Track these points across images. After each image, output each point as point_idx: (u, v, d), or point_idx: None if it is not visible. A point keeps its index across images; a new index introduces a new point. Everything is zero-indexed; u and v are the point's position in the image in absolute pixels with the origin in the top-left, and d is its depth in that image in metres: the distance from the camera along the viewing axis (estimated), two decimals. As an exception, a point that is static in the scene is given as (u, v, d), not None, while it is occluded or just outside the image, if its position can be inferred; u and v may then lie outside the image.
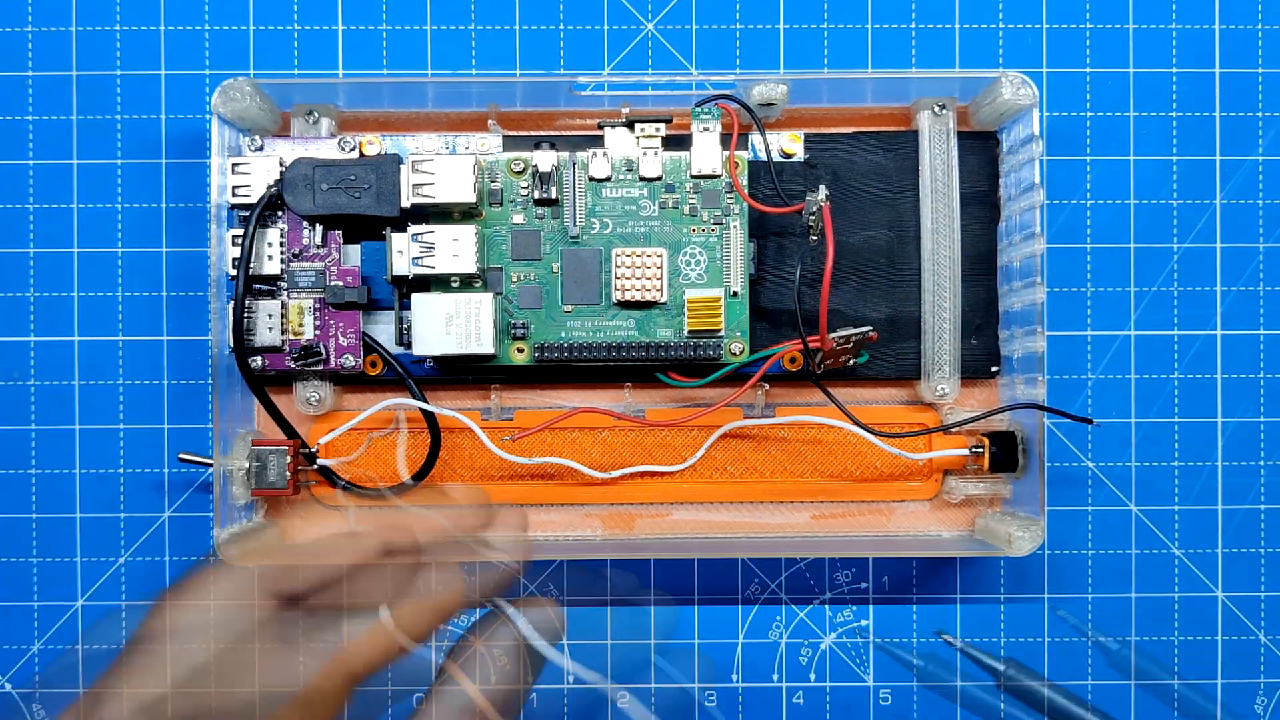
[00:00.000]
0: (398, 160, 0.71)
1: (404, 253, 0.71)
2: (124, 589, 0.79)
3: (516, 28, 0.79)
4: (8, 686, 0.79)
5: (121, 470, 0.79)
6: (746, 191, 0.74)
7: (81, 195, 0.79)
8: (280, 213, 0.73)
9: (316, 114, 0.75)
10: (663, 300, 0.73)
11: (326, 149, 0.73)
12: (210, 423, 0.78)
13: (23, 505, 0.79)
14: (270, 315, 0.73)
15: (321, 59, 0.79)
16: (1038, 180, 0.72)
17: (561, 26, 0.79)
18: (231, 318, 0.71)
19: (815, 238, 0.69)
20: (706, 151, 0.73)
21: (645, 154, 0.73)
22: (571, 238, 0.74)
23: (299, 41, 0.79)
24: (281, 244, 0.72)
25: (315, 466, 0.74)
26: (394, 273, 0.71)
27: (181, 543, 0.79)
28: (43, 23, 0.79)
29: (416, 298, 0.71)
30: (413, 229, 0.71)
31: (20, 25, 0.79)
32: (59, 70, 0.79)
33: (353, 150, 0.73)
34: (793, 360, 0.74)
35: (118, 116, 0.79)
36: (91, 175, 0.79)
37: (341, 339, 0.73)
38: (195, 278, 0.78)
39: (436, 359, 0.73)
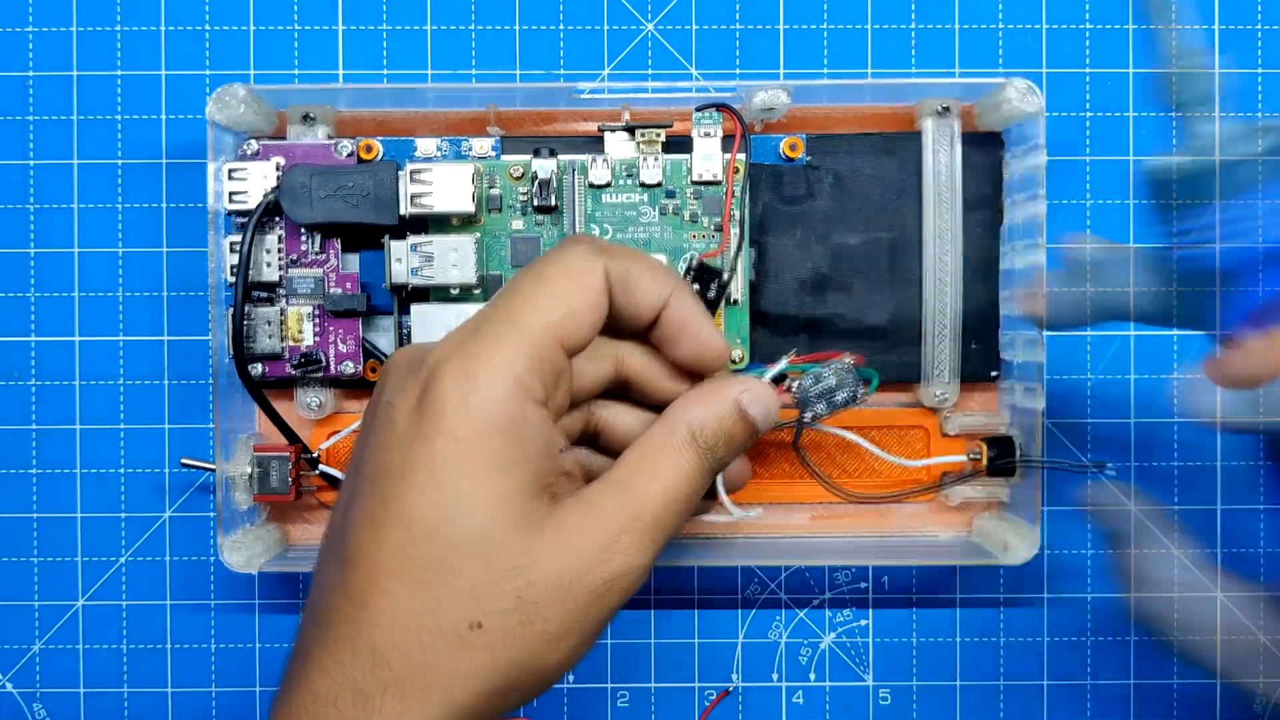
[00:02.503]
0: (395, 168, 0.71)
1: (402, 261, 0.71)
2: (124, 589, 0.79)
3: (516, 28, 0.79)
4: (8, 686, 0.79)
5: (122, 470, 0.79)
6: (748, 194, 0.74)
7: (82, 195, 0.79)
8: (278, 218, 0.73)
9: (314, 116, 0.75)
10: (663, 306, 0.73)
11: (324, 154, 0.73)
12: (211, 422, 0.78)
13: (23, 505, 0.79)
14: (269, 322, 0.73)
15: (321, 59, 0.79)
16: (1041, 191, 0.71)
17: (561, 27, 0.79)
18: (231, 325, 0.71)
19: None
20: (707, 156, 0.73)
21: (645, 159, 0.73)
22: (571, 244, 0.74)
23: (299, 42, 0.79)
24: (280, 250, 0.72)
25: (317, 471, 0.74)
26: (392, 281, 0.71)
27: (182, 543, 0.79)
28: (43, 23, 0.79)
29: (415, 309, 0.71)
30: (411, 239, 0.71)
31: (20, 25, 0.79)
32: (59, 70, 0.79)
33: (350, 156, 0.73)
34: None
35: (118, 117, 0.79)
36: (92, 175, 0.79)
37: (341, 345, 0.73)
38: (196, 278, 0.78)
39: (436, 364, 0.74)
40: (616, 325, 0.57)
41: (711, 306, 0.70)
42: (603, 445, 0.61)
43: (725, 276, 0.71)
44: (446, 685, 0.50)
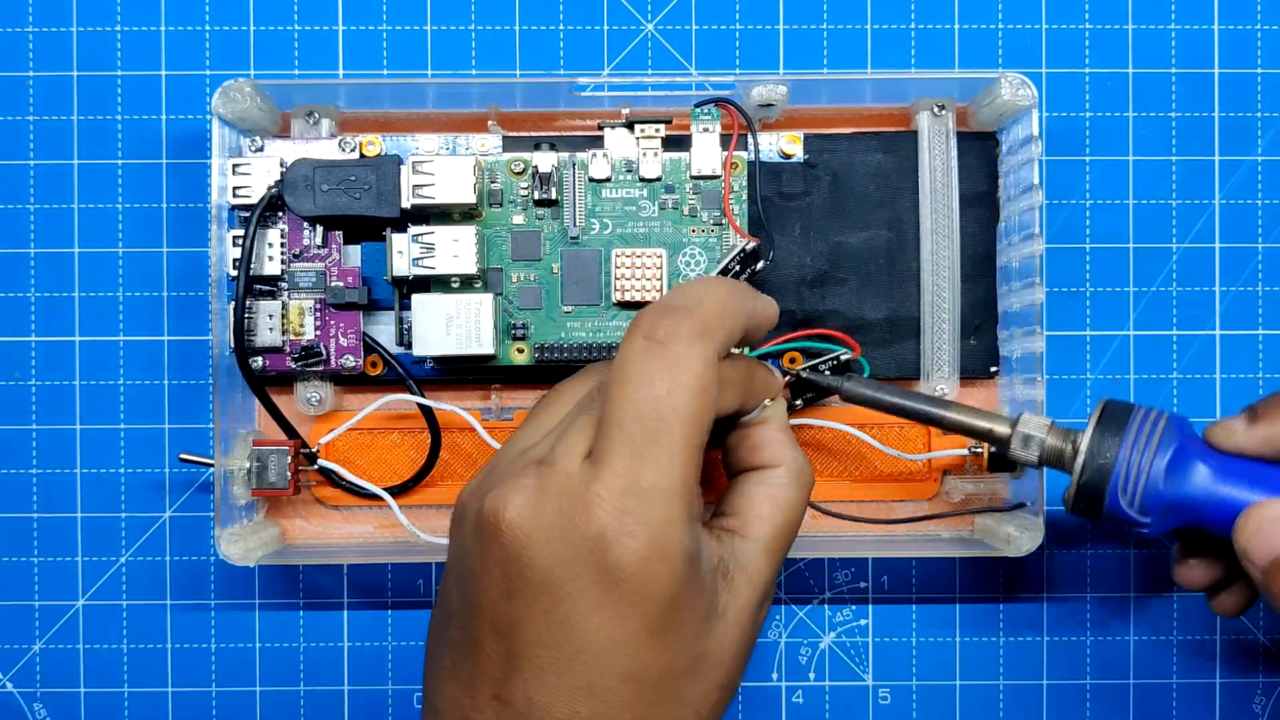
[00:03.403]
0: (398, 161, 0.71)
1: (404, 253, 0.71)
2: (125, 589, 0.79)
3: (516, 28, 0.79)
4: (9, 686, 0.79)
5: (122, 470, 0.79)
6: (747, 191, 0.74)
7: (82, 195, 0.79)
8: (280, 213, 0.73)
9: (317, 115, 0.75)
10: (663, 300, 0.73)
11: (327, 150, 0.73)
12: (211, 423, 0.78)
13: (24, 505, 0.79)
14: (271, 316, 0.73)
15: (322, 59, 0.79)
16: (1037, 181, 0.72)
17: (561, 27, 0.79)
18: (232, 318, 0.71)
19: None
20: (706, 152, 0.74)
21: (645, 155, 0.73)
22: (571, 238, 0.74)
23: (299, 42, 0.79)
24: (282, 244, 0.73)
25: (316, 466, 0.74)
26: (394, 273, 0.71)
27: (182, 543, 0.79)
28: (43, 23, 0.79)
29: (417, 298, 0.71)
30: (413, 230, 0.71)
31: (20, 25, 0.79)
32: (59, 70, 0.79)
33: (353, 151, 0.73)
34: (791, 360, 0.74)
35: (118, 117, 0.79)
36: (92, 175, 0.79)
37: (342, 339, 0.73)
38: (196, 278, 0.78)
39: (437, 359, 0.74)
40: None
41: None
42: None
43: (760, 265, 0.72)
44: None
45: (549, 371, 0.74)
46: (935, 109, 0.75)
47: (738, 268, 0.71)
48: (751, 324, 0.58)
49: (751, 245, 0.71)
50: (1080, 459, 0.61)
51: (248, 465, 0.73)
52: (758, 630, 0.56)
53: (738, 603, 0.54)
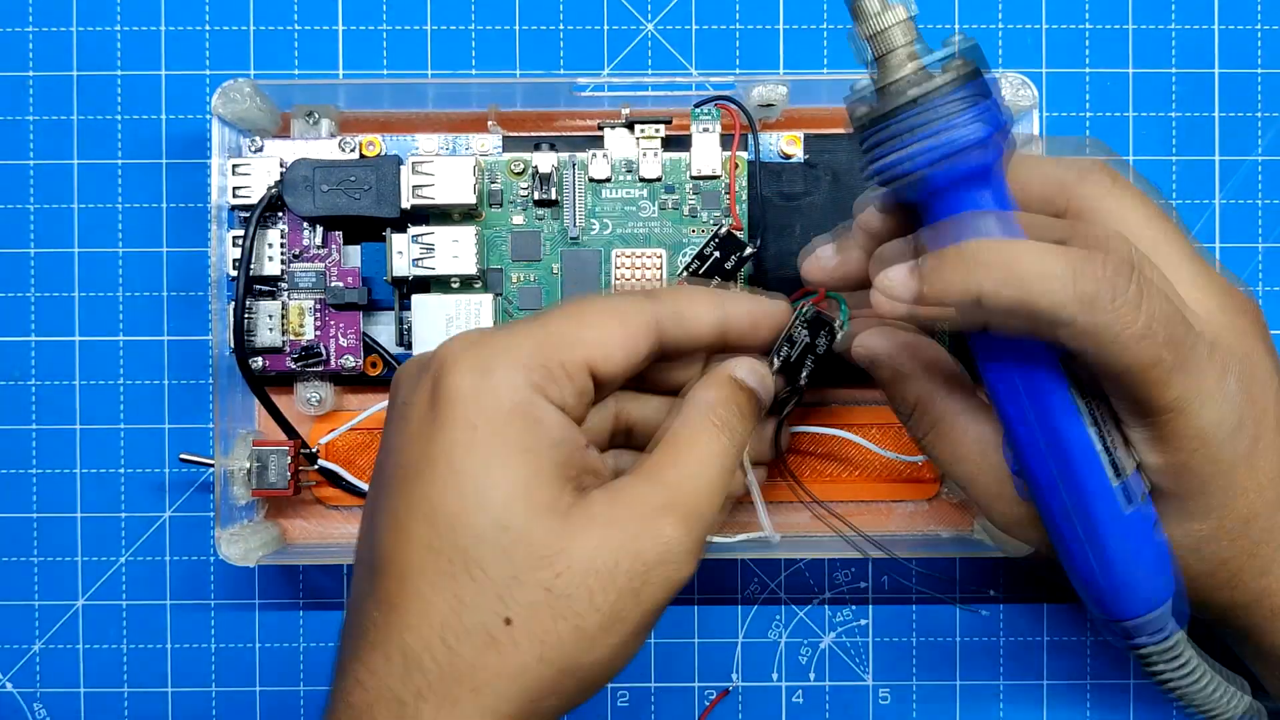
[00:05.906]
0: (398, 161, 0.71)
1: (404, 254, 0.71)
2: (124, 589, 0.79)
3: (516, 28, 0.79)
4: (8, 686, 0.79)
5: (122, 470, 0.79)
6: (747, 191, 0.74)
7: (82, 195, 0.79)
8: (280, 213, 0.73)
9: (316, 115, 0.75)
10: (662, 301, 0.73)
11: (327, 150, 0.73)
12: (211, 423, 0.78)
13: (23, 505, 0.79)
14: (270, 316, 0.73)
15: (321, 59, 0.79)
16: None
17: (561, 27, 0.79)
18: (232, 319, 0.71)
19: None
20: (706, 152, 0.73)
21: (645, 155, 0.73)
22: (571, 239, 0.74)
23: (299, 42, 0.79)
24: (282, 245, 0.73)
25: (316, 467, 0.74)
26: (394, 274, 0.72)
27: (182, 543, 0.79)
28: (43, 23, 0.79)
29: (416, 299, 0.71)
30: (412, 230, 0.71)
31: (20, 25, 0.79)
32: (59, 70, 0.79)
33: (353, 151, 0.73)
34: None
35: (118, 117, 0.79)
36: (92, 175, 0.79)
37: (342, 339, 0.73)
38: (196, 278, 0.78)
39: (437, 359, 0.74)
40: (679, 355, 0.60)
41: (728, 276, 0.70)
42: (636, 442, 0.62)
43: (748, 251, 0.71)
44: (478, 687, 0.49)
45: (549, 371, 0.74)
46: (935, 109, 0.75)
47: (716, 253, 0.70)
48: (673, 327, 0.57)
49: (727, 229, 0.70)
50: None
51: (248, 465, 0.73)
52: (634, 586, 0.50)
53: (590, 509, 0.51)
